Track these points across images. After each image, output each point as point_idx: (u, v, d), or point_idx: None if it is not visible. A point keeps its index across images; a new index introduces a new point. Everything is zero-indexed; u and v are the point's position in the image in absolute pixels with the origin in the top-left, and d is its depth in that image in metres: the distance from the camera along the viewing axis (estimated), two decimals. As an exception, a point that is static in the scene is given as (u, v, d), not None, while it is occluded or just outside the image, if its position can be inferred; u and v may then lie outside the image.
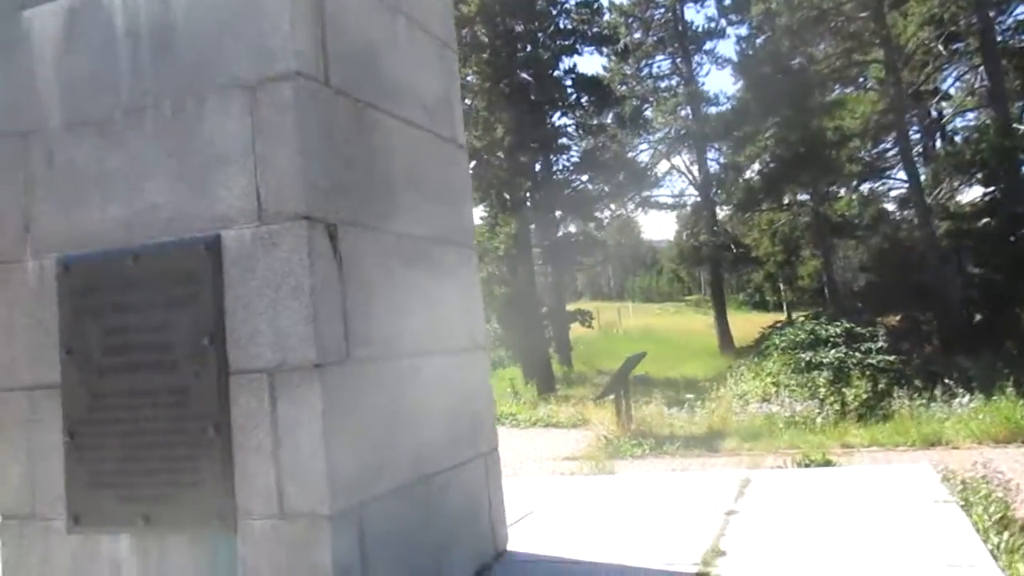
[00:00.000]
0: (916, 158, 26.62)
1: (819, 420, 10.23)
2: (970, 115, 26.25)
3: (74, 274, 3.47)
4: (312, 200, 3.16)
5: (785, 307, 66.86)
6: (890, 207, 32.65)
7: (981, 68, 23.64)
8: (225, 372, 3.19)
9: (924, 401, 11.47)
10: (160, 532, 3.27)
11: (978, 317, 17.97)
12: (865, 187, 35.72)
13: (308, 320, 3.09)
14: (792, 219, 41.11)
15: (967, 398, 10.62)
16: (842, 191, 37.57)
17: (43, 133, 3.60)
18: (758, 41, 30.17)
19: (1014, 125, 20.16)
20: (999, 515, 4.25)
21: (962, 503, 4.60)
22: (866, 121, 24.82)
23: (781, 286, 57.60)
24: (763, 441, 8.92)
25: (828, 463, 6.69)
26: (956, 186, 23.62)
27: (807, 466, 6.64)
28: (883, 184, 35.05)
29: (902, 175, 27.61)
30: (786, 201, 34.53)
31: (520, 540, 4.69)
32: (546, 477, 6.67)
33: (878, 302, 18.77)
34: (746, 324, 46.48)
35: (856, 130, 25.18)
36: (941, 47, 22.14)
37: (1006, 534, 3.87)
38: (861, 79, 30.29)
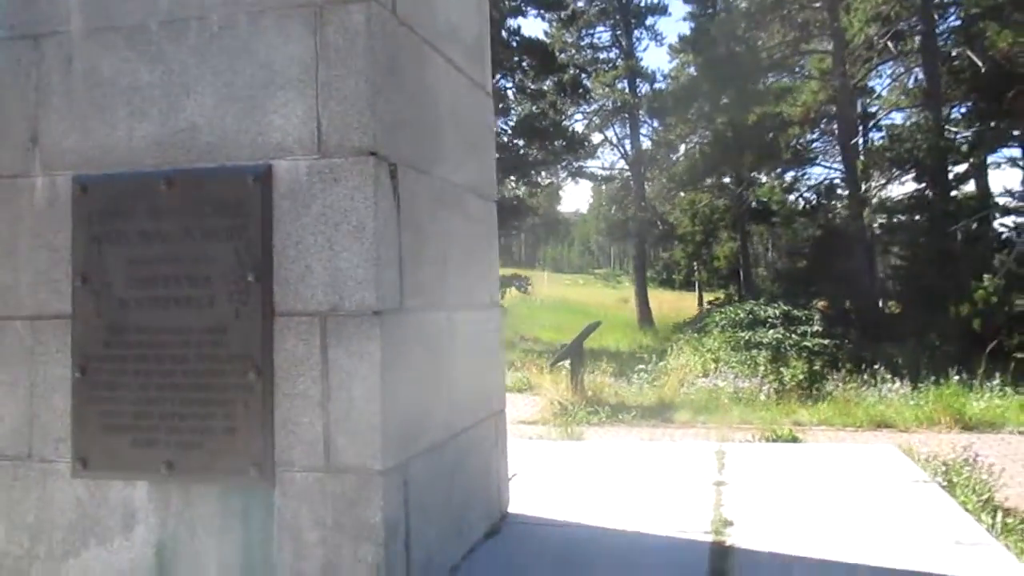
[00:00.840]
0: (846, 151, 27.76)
1: (762, 397, 10.61)
2: (895, 114, 27.56)
3: (94, 196, 3.17)
4: (379, 135, 2.97)
5: (697, 287, 68.95)
6: (811, 196, 33.94)
7: (916, 69, 24.69)
8: (270, 313, 2.99)
9: (855, 384, 12.03)
10: (184, 481, 3.06)
11: (895, 308, 19.07)
12: (788, 175, 36.97)
13: (370, 263, 2.92)
14: (711, 201, 42.20)
15: (896, 384, 11.21)
16: (763, 177, 38.78)
17: (61, 37, 3.25)
18: (710, 19, 30.45)
19: (946, 127, 21.22)
20: (985, 497, 4.47)
21: (944, 484, 4.82)
22: (807, 110, 25.60)
23: (695, 265, 59.26)
24: (715, 415, 9.16)
25: (795, 439, 6.92)
26: (884, 181, 24.76)
27: (774, 441, 6.85)
28: (803, 173, 36.37)
29: (833, 165, 28.81)
30: (726, 181, 35.34)
31: (514, 503, 4.65)
32: (516, 440, 6.64)
33: (801, 287, 19.57)
34: (654, 301, 47.80)
35: (796, 118, 25.94)
36: (890, 44, 22.94)
37: (999, 515, 4.07)
38: (797, 69, 31.13)
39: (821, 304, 17.27)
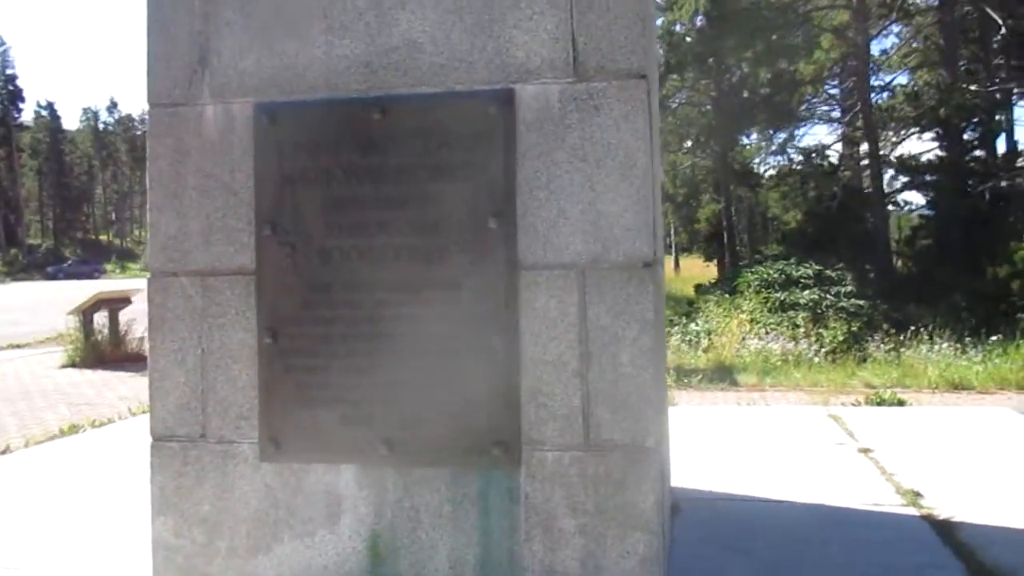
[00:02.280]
0: (848, 111, 27.62)
1: (816, 359, 10.47)
2: (900, 76, 27.39)
3: (284, 126, 2.72)
4: (647, 55, 2.56)
5: (674, 249, 69.11)
6: (799, 157, 33.92)
7: (926, 28, 24.48)
8: (514, 265, 2.59)
9: (893, 345, 11.97)
10: (406, 463, 2.68)
11: (910, 269, 19.16)
12: (779, 136, 36.90)
13: (641, 205, 2.54)
14: (694, 162, 42.07)
15: (943, 344, 11.16)
16: (746, 140, 38.66)
17: (237, -68, 2.75)
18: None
19: (968, 86, 21.12)
20: None
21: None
22: (819, 68, 25.29)
23: (673, 226, 59.42)
24: (777, 377, 8.99)
25: (901, 403, 6.75)
26: (898, 140, 24.73)
27: (879, 404, 6.66)
28: (793, 134, 36.32)
29: (834, 125, 28.68)
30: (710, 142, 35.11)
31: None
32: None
33: (807, 248, 19.52)
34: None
35: (808, 76, 25.62)
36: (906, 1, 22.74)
37: None
38: (811, 27, 30.37)
39: (835, 267, 17.29)
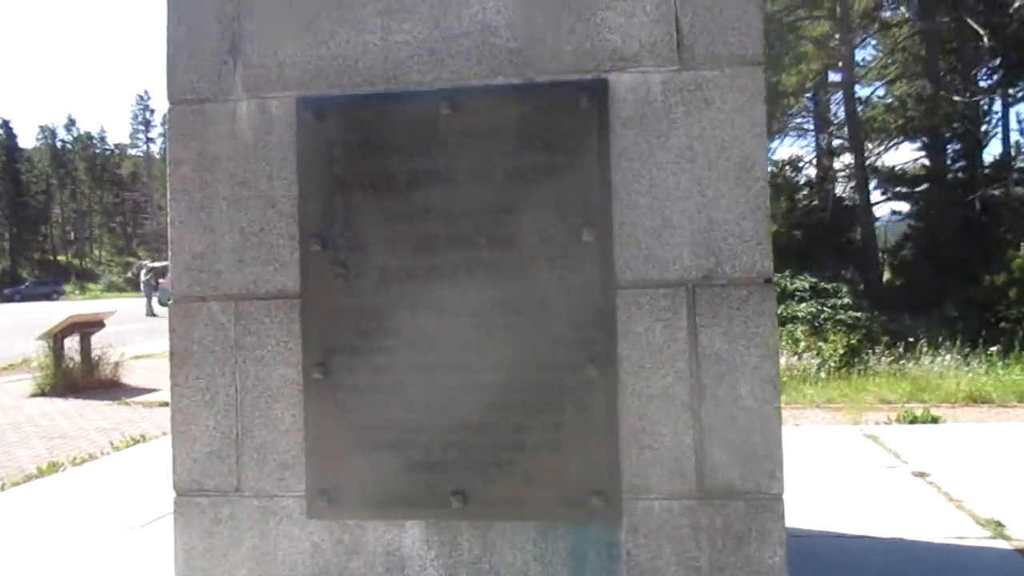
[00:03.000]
0: (826, 123, 27.70)
1: (822, 374, 10.23)
2: (878, 87, 27.46)
3: (334, 124, 2.34)
4: (760, 39, 2.23)
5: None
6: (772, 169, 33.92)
7: (905, 41, 24.60)
8: (611, 283, 2.23)
9: (894, 358, 11.79)
10: (483, 517, 2.30)
11: (896, 280, 19.16)
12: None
13: (760, 212, 2.21)
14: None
15: (948, 357, 11.01)
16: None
17: (275, -101, 2.38)
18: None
19: (944, 94, 21.25)
20: None
21: None
22: (803, 78, 25.28)
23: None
24: (791, 394, 8.71)
25: (935, 420, 6.48)
26: (881, 150, 24.82)
27: (912, 422, 6.39)
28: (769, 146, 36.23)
29: (808, 136, 28.80)
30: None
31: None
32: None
33: (797, 261, 19.36)
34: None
35: (791, 87, 25.57)
36: (887, 12, 22.77)
37: None
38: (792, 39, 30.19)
39: (820, 279, 17.20)
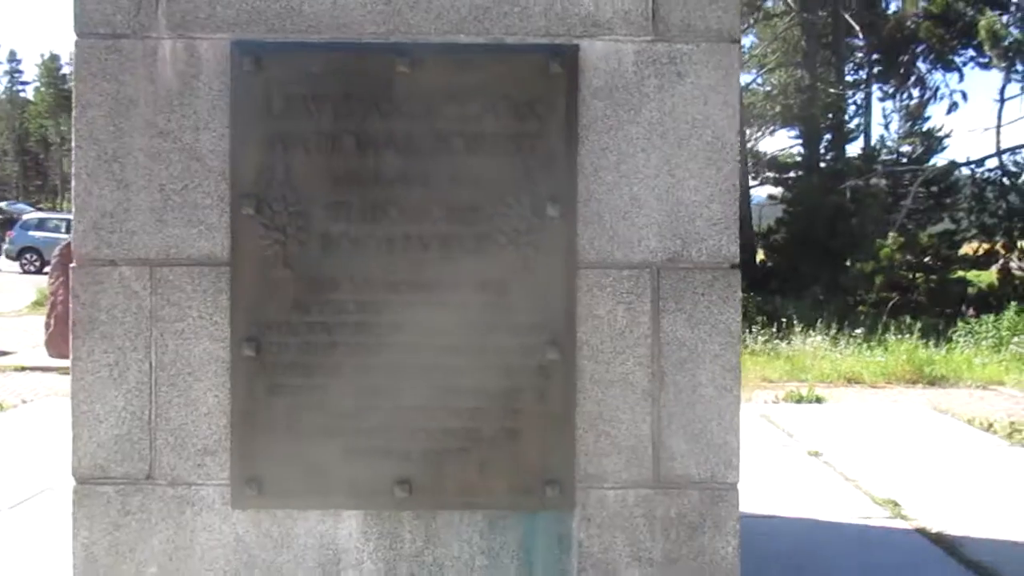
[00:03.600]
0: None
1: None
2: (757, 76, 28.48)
3: (274, 73, 2.12)
4: (737, 16, 2.17)
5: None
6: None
7: (784, 32, 25.68)
8: (574, 263, 2.13)
9: (767, 338, 12.37)
10: (427, 507, 2.17)
11: (769, 262, 20.15)
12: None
13: (728, 194, 2.16)
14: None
15: (817, 338, 11.65)
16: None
17: None
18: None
19: (835, 87, 22.34)
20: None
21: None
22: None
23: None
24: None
25: (819, 400, 6.81)
26: (758, 136, 25.92)
27: (799, 402, 6.68)
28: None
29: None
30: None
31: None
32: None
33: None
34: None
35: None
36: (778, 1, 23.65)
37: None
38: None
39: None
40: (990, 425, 5.70)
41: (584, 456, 2.17)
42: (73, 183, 2.16)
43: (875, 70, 16.23)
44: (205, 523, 2.18)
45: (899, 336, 11.36)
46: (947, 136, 18.36)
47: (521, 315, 2.12)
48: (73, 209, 2.16)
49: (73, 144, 2.15)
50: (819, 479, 4.33)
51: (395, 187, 2.11)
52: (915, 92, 15.61)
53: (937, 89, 15.46)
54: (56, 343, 8.43)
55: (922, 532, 3.58)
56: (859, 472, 4.44)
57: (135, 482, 2.18)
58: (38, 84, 66.02)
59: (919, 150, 18.20)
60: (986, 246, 16.12)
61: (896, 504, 3.95)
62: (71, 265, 2.18)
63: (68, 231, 24.03)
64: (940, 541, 3.45)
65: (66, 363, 6.74)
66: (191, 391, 2.17)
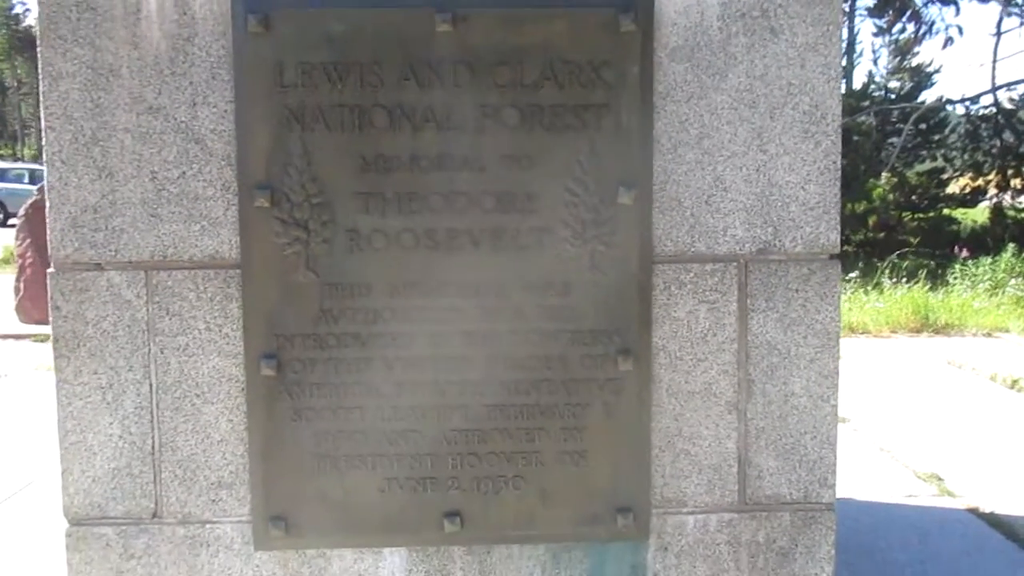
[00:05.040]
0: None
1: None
2: None
3: (287, 35, 1.74)
4: (838, -44, 1.82)
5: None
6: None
7: None
8: (647, 257, 1.82)
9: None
10: (481, 541, 1.89)
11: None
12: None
13: (829, 175, 1.84)
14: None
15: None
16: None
17: None
18: None
19: None
20: None
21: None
22: None
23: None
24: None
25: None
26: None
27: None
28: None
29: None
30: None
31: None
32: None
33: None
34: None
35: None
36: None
37: None
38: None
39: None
40: (1014, 382, 5.54)
41: (660, 478, 1.89)
42: (46, 172, 1.79)
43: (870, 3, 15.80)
44: (223, 566, 1.89)
45: (894, 280, 11.21)
46: (936, 71, 18.00)
47: (587, 320, 1.82)
48: (47, 203, 1.80)
49: (43, 124, 1.78)
50: (854, 450, 4.13)
51: (436, 172, 1.77)
52: (910, 27, 15.23)
53: (933, 23, 15.11)
54: (27, 308, 8.00)
55: (974, 512, 3.38)
56: (892, 441, 4.24)
57: (139, 521, 1.88)
58: (-11, 25, 63.31)
59: (908, 86, 17.84)
60: (973, 184, 15.98)
61: (940, 479, 3.75)
62: (49, 270, 1.83)
63: (32, 181, 23.18)
64: (997, 524, 3.26)
65: (41, 329, 6.31)
66: (200, 416, 1.85)
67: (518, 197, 1.78)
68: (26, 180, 23.90)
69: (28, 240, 8.18)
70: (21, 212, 8.50)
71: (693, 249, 1.84)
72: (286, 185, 1.76)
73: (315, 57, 1.74)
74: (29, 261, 8.14)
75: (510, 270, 1.80)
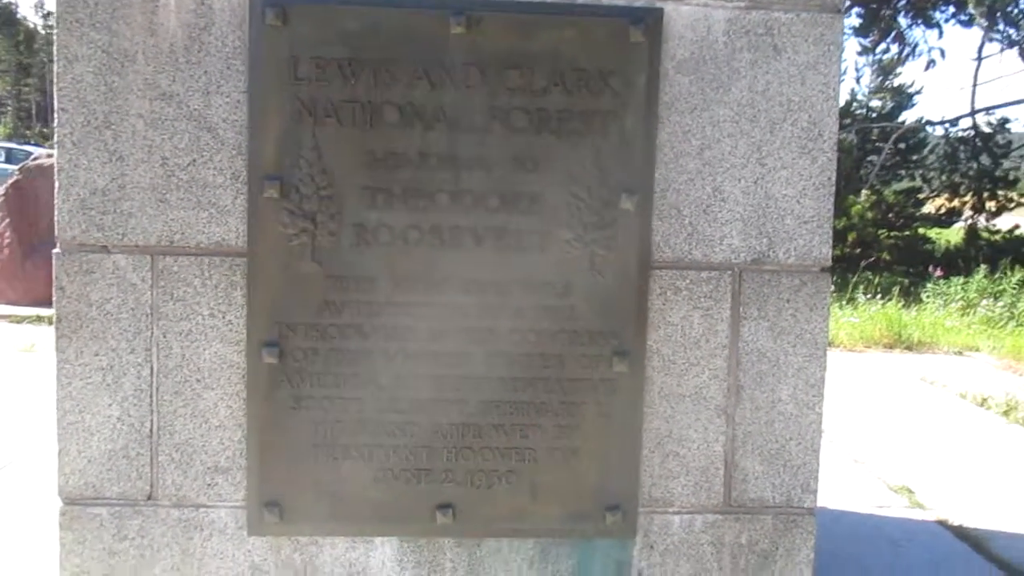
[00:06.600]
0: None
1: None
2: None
3: (302, 29, 1.78)
4: (841, -22, 1.89)
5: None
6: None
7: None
8: (645, 263, 1.87)
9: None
10: (472, 534, 1.93)
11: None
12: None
13: (824, 189, 1.91)
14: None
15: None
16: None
17: None
18: None
19: None
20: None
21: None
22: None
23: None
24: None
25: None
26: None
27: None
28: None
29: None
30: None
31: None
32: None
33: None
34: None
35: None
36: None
37: None
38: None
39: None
40: (983, 401, 5.67)
41: (649, 478, 1.94)
42: (56, 153, 1.81)
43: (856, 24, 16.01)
44: (216, 550, 1.91)
45: (868, 296, 11.39)
46: (918, 92, 18.34)
47: (584, 321, 1.87)
48: (57, 184, 1.82)
49: (56, 106, 1.80)
50: (828, 461, 4.20)
51: (444, 170, 1.81)
52: (894, 48, 15.51)
53: (916, 45, 15.40)
54: (1, 289, 7.92)
55: (943, 524, 3.48)
56: (866, 454, 4.33)
57: (133, 503, 1.90)
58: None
59: (889, 106, 18.16)
60: (949, 204, 16.29)
61: (911, 492, 3.84)
62: (55, 251, 1.84)
63: (9, 160, 22.78)
64: (965, 537, 3.35)
65: (15, 310, 6.22)
66: (200, 401, 1.88)
67: (522, 198, 1.83)
68: (2, 159, 23.50)
69: (7, 220, 8.09)
70: (2, 191, 8.39)
71: (690, 256, 1.89)
72: (296, 177, 1.80)
73: (330, 52, 1.78)
74: (7, 242, 8.05)
75: (511, 269, 1.84)
